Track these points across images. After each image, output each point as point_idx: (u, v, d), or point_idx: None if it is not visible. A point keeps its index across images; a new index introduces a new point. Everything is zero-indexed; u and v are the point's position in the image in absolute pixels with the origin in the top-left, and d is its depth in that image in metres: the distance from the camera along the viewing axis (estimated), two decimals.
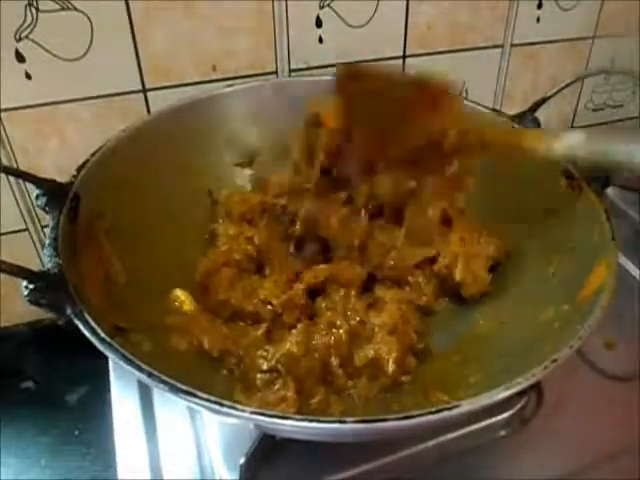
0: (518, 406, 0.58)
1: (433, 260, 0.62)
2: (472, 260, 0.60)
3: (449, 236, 0.62)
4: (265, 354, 0.53)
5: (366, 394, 0.53)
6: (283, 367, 0.52)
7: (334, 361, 0.54)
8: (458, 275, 0.60)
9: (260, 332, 0.56)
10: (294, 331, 0.54)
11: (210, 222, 0.66)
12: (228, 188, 0.69)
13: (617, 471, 0.55)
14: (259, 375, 0.52)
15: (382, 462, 0.54)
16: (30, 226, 0.73)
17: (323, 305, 0.59)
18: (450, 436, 0.56)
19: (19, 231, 0.72)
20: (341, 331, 0.55)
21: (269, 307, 0.57)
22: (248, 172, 0.71)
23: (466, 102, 0.68)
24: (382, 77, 0.56)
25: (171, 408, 0.60)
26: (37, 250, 0.74)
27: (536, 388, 0.61)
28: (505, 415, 0.58)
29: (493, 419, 0.57)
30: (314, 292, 0.60)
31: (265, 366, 0.52)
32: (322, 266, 0.60)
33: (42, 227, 0.73)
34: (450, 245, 0.61)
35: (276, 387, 0.51)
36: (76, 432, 0.69)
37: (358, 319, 0.57)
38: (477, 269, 0.60)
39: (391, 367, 0.53)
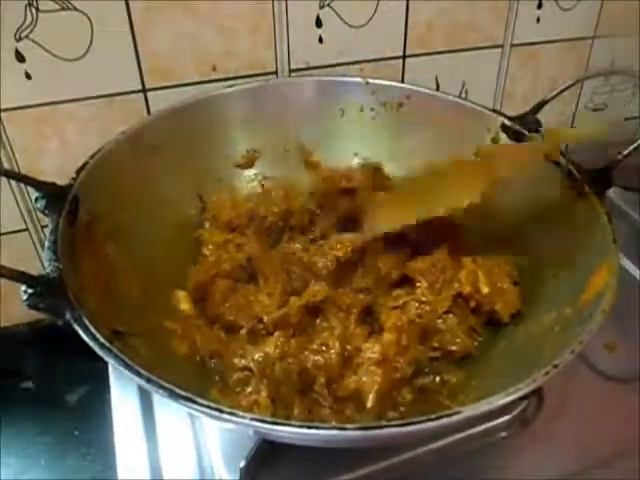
0: (519, 408, 0.58)
1: (458, 295, 0.58)
2: (493, 272, 0.58)
3: (461, 261, 0.59)
4: (242, 352, 0.53)
5: (352, 421, 0.50)
6: (256, 367, 0.51)
7: (321, 380, 0.51)
8: (485, 288, 0.57)
9: (243, 332, 0.56)
10: (276, 333, 0.54)
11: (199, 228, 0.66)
12: (228, 190, 0.69)
13: (618, 473, 0.55)
14: (234, 375, 0.52)
15: (382, 465, 0.54)
16: (30, 226, 0.73)
17: (320, 324, 0.57)
18: (451, 438, 0.55)
19: (19, 231, 0.72)
20: (332, 351, 0.52)
21: (260, 325, 0.56)
22: (248, 173, 0.71)
23: (466, 102, 0.69)
24: None
25: (171, 409, 0.60)
26: (37, 250, 0.74)
27: (537, 391, 0.61)
28: (506, 417, 0.58)
29: (494, 421, 0.57)
30: (314, 308, 0.58)
31: (241, 364, 0.52)
32: (319, 289, 0.57)
33: (42, 227, 0.73)
34: (465, 267, 0.58)
35: (249, 390, 0.50)
36: (76, 432, 0.69)
37: (354, 345, 0.54)
38: (501, 283, 0.58)
39: (370, 402, 0.49)
